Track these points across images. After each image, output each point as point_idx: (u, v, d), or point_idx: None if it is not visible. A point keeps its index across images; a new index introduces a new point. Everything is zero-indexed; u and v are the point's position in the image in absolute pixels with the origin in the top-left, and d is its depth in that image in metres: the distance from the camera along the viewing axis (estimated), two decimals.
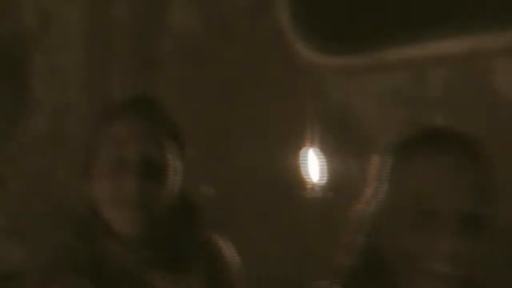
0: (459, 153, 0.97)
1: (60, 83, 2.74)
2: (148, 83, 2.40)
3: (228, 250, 1.25)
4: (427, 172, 0.94)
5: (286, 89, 2.08)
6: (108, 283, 1.19)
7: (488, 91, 1.88)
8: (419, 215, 0.93)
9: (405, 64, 1.93)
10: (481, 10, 1.84)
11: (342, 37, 2.01)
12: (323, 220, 1.24)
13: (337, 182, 1.57)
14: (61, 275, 1.17)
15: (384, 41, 1.93)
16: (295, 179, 1.28)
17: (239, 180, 2.08)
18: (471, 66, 1.90)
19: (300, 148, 1.14)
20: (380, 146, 1.02)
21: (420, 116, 1.93)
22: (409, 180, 0.95)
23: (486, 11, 1.84)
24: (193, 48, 2.36)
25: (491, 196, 0.98)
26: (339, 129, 1.81)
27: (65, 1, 2.65)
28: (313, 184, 1.24)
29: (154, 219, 1.19)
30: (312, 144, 1.21)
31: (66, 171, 2.68)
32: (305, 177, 1.17)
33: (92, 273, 1.18)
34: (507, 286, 1.10)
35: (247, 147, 2.12)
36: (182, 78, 2.43)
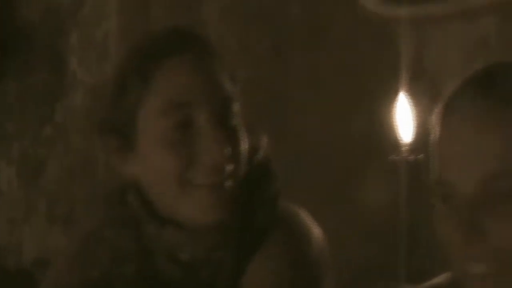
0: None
1: (96, 58, 2.61)
2: None
3: (308, 221, 0.97)
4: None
5: (355, 44, 1.86)
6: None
7: None
8: None
9: (494, 8, 1.69)
10: None
11: None
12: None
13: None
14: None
15: None
16: (371, 142, 1.09)
17: (304, 145, 1.85)
18: None
19: (372, 108, 0.96)
20: None
21: None
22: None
23: None
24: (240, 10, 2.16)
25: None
26: (416, 84, 1.60)
27: None
28: (400, 144, 1.01)
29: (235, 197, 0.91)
30: (389, 102, 1.01)
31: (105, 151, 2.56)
32: (395, 140, 0.97)
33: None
34: None
35: (310, 109, 1.91)
36: (229, 44, 2.23)
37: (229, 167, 0.90)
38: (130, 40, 2.49)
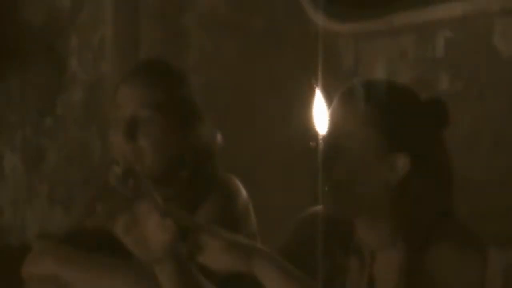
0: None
1: (93, 58, 2.92)
2: (174, 54, 2.57)
3: (238, 185, 1.41)
4: None
5: (301, 54, 2.23)
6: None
7: (487, 51, 2.00)
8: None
9: (411, 27, 2.07)
10: None
11: (353, 3, 2.15)
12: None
13: None
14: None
15: (391, 6, 2.07)
16: (307, 134, 1.44)
17: (259, 141, 2.26)
18: (472, 27, 2.02)
19: (313, 107, 1.29)
20: None
21: (425, 77, 2.07)
22: None
23: None
24: (216, 20, 2.53)
25: None
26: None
27: None
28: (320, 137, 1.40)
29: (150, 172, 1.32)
30: (325, 106, 1.36)
31: (100, 141, 2.88)
32: (314, 131, 1.33)
33: None
34: None
35: (266, 109, 2.30)
36: (205, 48, 2.59)
37: (140, 155, 1.34)
38: (123, 43, 2.82)
